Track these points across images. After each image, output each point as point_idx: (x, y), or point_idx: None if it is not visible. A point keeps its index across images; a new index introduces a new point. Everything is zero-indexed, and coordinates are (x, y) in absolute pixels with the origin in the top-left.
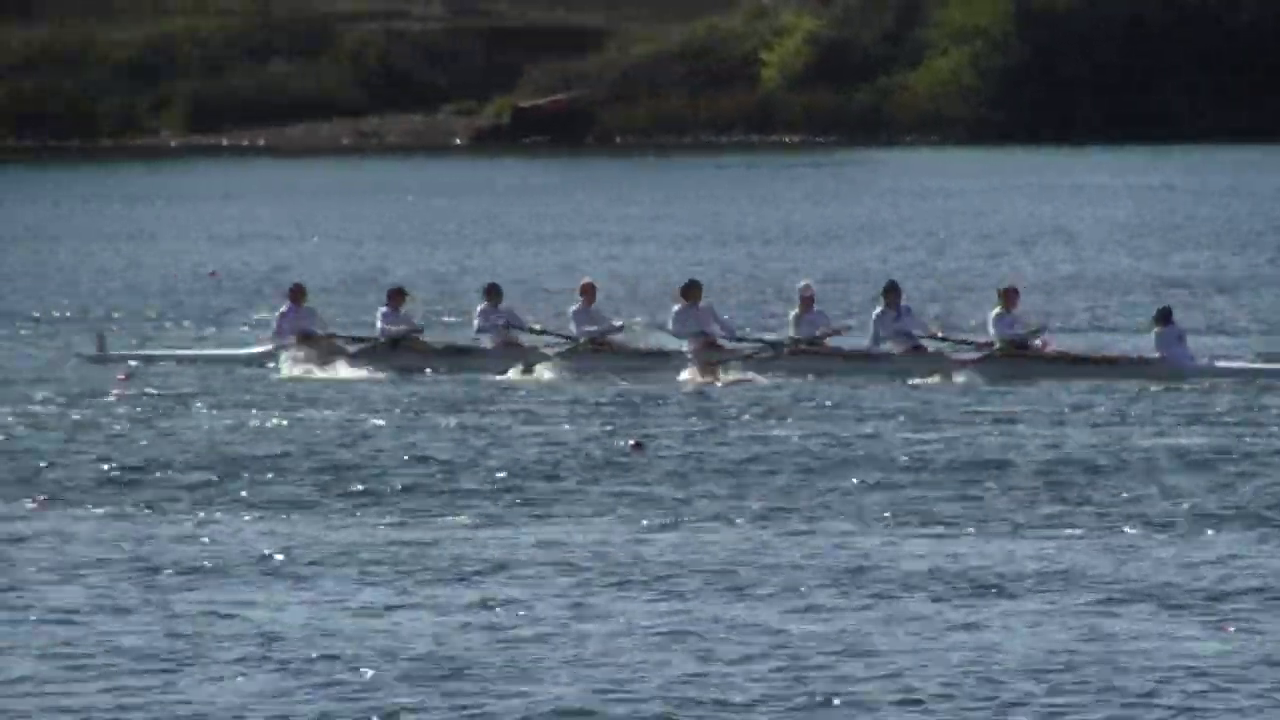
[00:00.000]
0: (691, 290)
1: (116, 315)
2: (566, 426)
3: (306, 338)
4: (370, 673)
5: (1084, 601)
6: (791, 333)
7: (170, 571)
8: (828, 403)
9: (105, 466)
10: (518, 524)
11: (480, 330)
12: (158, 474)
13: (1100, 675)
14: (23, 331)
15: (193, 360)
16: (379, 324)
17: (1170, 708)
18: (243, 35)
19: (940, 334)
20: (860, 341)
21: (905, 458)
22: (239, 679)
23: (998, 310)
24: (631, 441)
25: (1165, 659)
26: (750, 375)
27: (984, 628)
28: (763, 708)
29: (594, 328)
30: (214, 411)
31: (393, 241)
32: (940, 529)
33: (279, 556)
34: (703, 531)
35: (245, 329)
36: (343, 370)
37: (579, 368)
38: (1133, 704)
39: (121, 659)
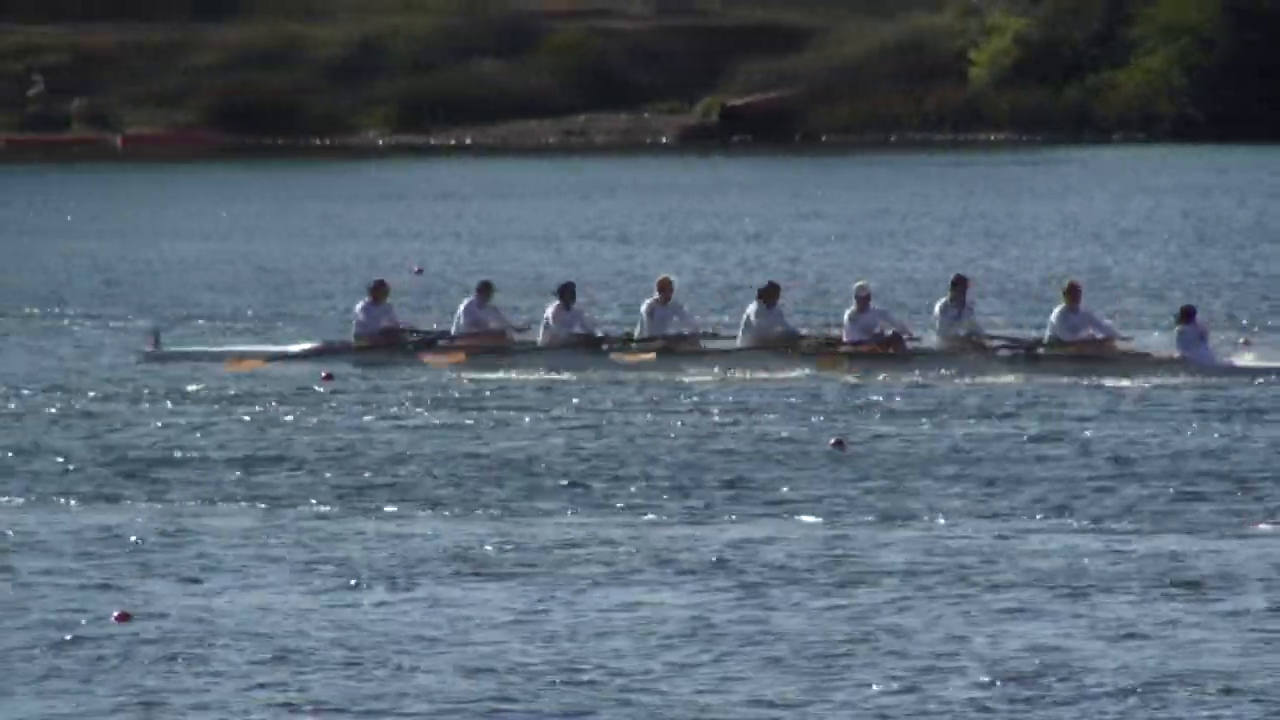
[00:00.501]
0: (769, 293)
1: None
2: (758, 426)
3: (388, 333)
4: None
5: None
6: (845, 334)
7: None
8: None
9: (324, 467)
10: (722, 521)
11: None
12: (358, 475)
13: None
14: (240, 328)
15: (269, 357)
16: (460, 319)
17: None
18: (450, 34)
19: (991, 333)
20: (930, 337)
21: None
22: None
23: (1061, 308)
24: (833, 440)
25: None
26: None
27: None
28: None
29: (674, 330)
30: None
31: (641, 243)
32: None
33: (504, 555)
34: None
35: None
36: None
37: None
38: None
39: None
